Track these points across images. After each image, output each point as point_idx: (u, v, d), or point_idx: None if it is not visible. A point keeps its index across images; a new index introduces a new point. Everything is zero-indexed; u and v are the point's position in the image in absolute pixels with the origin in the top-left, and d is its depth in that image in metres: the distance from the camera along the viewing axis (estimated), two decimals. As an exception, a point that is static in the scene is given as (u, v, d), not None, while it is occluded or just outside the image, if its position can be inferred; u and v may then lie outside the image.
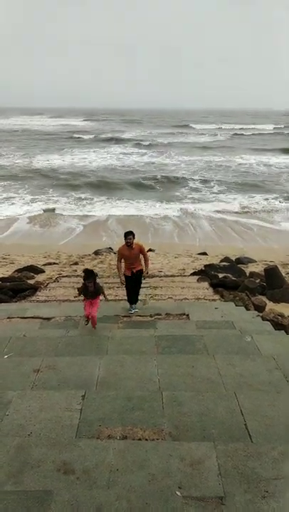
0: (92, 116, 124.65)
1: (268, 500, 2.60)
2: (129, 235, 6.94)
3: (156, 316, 7.14)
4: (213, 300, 8.69)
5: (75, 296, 6.45)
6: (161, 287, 9.61)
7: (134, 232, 7.07)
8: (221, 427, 3.50)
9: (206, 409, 3.76)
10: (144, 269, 7.35)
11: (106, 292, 6.34)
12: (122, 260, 7.13)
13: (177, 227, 17.74)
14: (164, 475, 2.86)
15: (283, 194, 23.92)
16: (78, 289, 6.28)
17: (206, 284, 10.07)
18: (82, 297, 6.25)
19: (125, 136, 60.66)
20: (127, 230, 7.14)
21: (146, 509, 2.44)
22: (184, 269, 11.78)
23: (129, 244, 6.89)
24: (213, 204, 21.60)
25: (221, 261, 12.68)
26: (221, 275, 11.13)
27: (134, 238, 6.95)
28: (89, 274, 6.00)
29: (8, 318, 6.92)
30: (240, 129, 79.03)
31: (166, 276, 11.08)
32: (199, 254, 13.57)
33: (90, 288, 6.00)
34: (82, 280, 10.20)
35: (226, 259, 12.80)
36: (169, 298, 8.63)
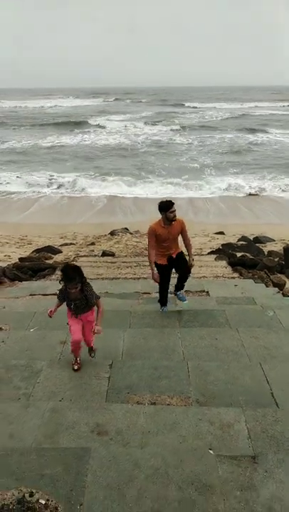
0: (101, 95, 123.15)
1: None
2: (171, 205, 5.00)
3: (173, 294, 7.19)
4: (232, 278, 8.69)
5: (52, 311, 3.91)
6: (179, 266, 9.64)
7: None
8: (247, 395, 3.57)
9: (232, 378, 3.83)
10: (189, 257, 5.47)
11: (104, 301, 3.96)
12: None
13: (192, 206, 17.59)
14: (194, 437, 2.96)
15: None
16: (57, 295, 3.92)
17: (224, 263, 10.05)
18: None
19: (138, 115, 59.90)
20: (165, 200, 5.13)
21: (180, 465, 2.54)
22: (201, 249, 11.76)
23: (170, 219, 5.04)
24: (227, 182, 21.28)
25: (239, 240, 12.61)
26: (238, 254, 11.08)
27: None
28: (70, 274, 3.56)
29: (31, 295, 7.07)
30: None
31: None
32: (216, 233, 13.49)
33: (73, 295, 3.69)
34: (100, 260, 10.24)
35: (244, 238, 12.72)
36: (187, 276, 8.66)
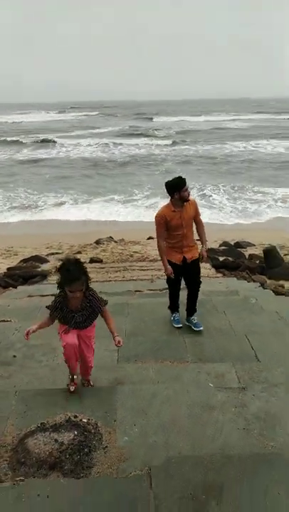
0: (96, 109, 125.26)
1: (277, 390, 3.57)
2: (184, 182, 4.39)
3: (165, 290, 8.06)
4: (216, 277, 9.68)
5: (30, 331, 3.23)
6: (165, 269, 10.54)
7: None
8: (236, 358, 4.47)
9: (223, 348, 4.72)
10: (202, 246, 5.00)
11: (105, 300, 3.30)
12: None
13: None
14: (195, 384, 3.81)
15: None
16: (49, 306, 3.27)
17: (207, 265, 11.04)
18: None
19: (114, 128, 61.85)
20: (176, 177, 4.49)
21: (188, 394, 3.41)
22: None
23: (185, 199, 4.43)
24: (206, 196, 22.60)
25: (220, 245, 13.70)
26: (221, 258, 12.12)
27: None
28: (74, 271, 2.92)
29: (29, 296, 7.77)
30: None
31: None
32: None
33: (75, 304, 3.08)
34: (89, 267, 11.00)
35: (225, 243, 13.82)
36: (174, 276, 9.56)
